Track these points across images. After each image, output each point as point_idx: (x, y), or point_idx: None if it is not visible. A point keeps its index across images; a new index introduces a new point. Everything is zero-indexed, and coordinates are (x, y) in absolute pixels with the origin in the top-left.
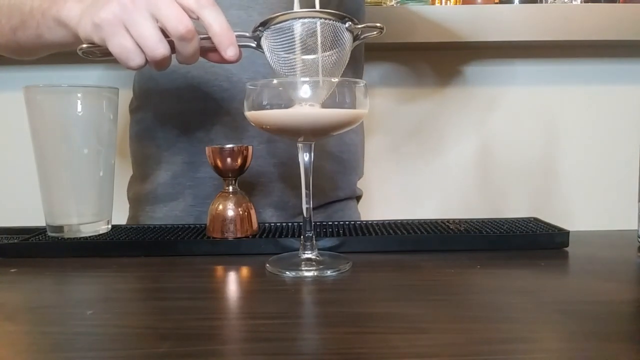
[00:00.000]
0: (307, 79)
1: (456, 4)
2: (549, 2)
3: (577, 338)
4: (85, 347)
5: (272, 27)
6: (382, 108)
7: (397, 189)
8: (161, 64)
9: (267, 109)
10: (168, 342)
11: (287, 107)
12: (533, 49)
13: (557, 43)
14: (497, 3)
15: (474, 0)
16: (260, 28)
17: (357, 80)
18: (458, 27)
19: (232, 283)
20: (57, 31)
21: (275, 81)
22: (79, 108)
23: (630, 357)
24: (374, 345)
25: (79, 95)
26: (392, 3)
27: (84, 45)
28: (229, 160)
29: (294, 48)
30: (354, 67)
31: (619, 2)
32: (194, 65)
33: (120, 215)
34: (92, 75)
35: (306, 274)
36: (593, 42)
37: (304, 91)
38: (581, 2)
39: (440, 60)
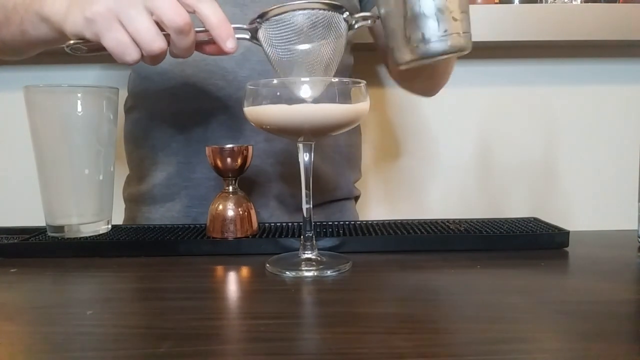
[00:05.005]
0: (307, 78)
1: None
2: (549, 2)
3: (577, 338)
4: (85, 347)
5: (270, 19)
6: (382, 108)
7: (396, 189)
8: (157, 58)
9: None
10: (168, 342)
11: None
12: (533, 49)
13: (557, 43)
14: (497, 3)
15: (474, 0)
16: (257, 20)
17: (357, 80)
18: None
19: (232, 283)
20: (41, 27)
21: (275, 81)
22: (79, 108)
23: (630, 357)
24: (374, 345)
25: (79, 95)
26: None
27: (72, 42)
28: (229, 160)
29: (292, 39)
30: (347, 54)
31: (619, 2)
32: (189, 64)
33: (117, 216)
34: (91, 75)
35: (306, 274)
36: (593, 42)
37: (304, 89)
38: (581, 2)
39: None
